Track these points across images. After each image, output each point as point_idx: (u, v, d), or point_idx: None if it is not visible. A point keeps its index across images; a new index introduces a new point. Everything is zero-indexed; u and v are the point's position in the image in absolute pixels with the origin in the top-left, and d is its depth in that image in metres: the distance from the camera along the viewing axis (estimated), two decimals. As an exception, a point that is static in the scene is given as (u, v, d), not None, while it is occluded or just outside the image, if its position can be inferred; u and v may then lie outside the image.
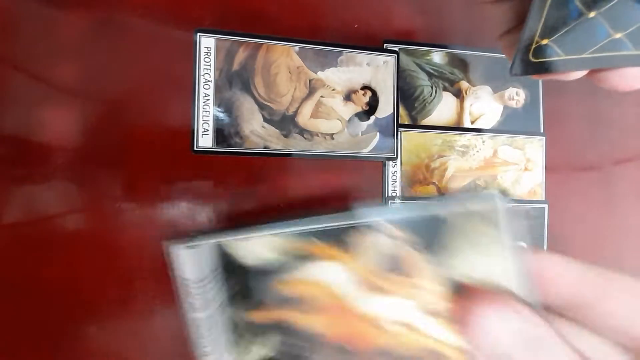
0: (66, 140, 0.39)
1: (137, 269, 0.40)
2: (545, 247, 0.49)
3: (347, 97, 0.43)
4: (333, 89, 0.43)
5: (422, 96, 0.46)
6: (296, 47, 0.42)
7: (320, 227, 0.24)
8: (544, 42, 0.28)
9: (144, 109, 0.41)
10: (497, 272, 0.21)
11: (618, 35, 0.27)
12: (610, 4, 0.25)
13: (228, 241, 0.26)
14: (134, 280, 0.40)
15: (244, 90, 0.41)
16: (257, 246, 0.26)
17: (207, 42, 0.40)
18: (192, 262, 0.27)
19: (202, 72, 0.39)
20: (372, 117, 0.44)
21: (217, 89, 0.40)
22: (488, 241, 0.22)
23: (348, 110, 0.43)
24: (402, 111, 0.45)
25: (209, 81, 0.40)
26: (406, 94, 0.46)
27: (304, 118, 0.42)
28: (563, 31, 0.27)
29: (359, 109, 0.44)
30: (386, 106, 0.44)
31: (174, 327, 0.40)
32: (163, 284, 0.40)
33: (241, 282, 0.26)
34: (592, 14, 0.26)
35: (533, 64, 0.28)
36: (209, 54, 0.40)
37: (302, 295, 0.25)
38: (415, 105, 0.46)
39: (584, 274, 0.20)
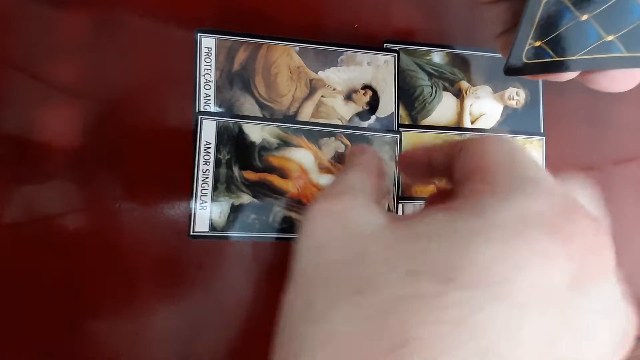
0: (66, 140, 0.39)
1: (138, 269, 0.40)
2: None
3: (348, 97, 0.43)
4: (334, 89, 0.43)
5: (422, 96, 0.46)
6: (296, 47, 0.42)
7: (307, 128, 0.42)
8: (537, 43, 0.28)
9: (145, 109, 0.41)
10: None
11: (609, 38, 0.27)
12: (602, 8, 0.26)
13: (247, 124, 0.41)
14: (134, 280, 0.40)
15: (245, 91, 0.41)
16: (264, 131, 0.41)
17: (207, 42, 0.40)
18: (212, 132, 0.40)
19: (202, 72, 0.39)
20: (373, 117, 0.44)
21: (218, 89, 0.40)
22: (388, 156, 0.43)
23: (349, 110, 0.43)
24: (402, 111, 0.45)
25: (209, 81, 0.40)
26: (406, 94, 0.45)
27: (305, 118, 0.42)
28: (555, 34, 0.28)
29: (360, 109, 0.44)
30: (387, 106, 0.44)
31: (174, 326, 0.40)
32: (163, 283, 0.40)
33: (245, 152, 0.40)
34: (584, 17, 0.27)
35: (526, 65, 0.30)
36: (209, 54, 0.40)
37: (282, 166, 0.41)
38: (415, 105, 0.46)
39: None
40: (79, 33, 0.40)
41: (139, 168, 0.40)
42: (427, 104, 0.46)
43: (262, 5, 0.43)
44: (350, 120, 0.44)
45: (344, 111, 0.43)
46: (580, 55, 0.28)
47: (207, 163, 0.40)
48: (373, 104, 0.44)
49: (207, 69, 0.40)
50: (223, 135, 0.40)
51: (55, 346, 0.39)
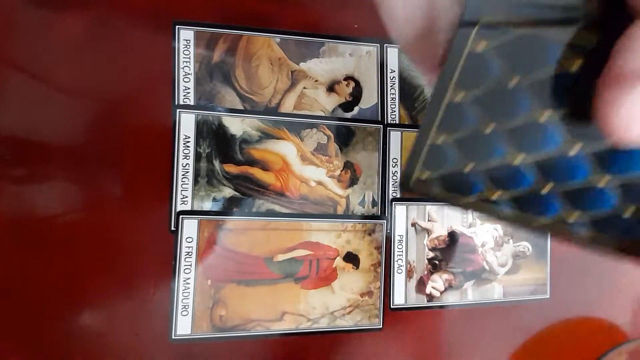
0: (66, 140, 0.39)
1: (137, 268, 0.40)
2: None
3: (330, 88, 0.43)
4: (316, 80, 0.43)
5: (422, 96, 0.46)
6: (277, 38, 0.42)
7: (288, 120, 0.41)
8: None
9: (144, 108, 0.41)
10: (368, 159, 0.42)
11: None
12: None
13: (227, 117, 0.40)
14: (133, 279, 0.40)
15: (225, 83, 0.41)
16: (245, 124, 0.40)
17: (185, 34, 0.40)
18: (191, 125, 0.40)
19: (181, 65, 0.39)
20: (356, 108, 0.44)
21: (198, 82, 0.40)
22: (372, 147, 0.42)
23: (331, 101, 0.43)
24: (402, 111, 0.45)
25: (188, 74, 0.39)
26: (406, 94, 0.45)
27: (287, 110, 0.42)
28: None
29: (343, 100, 0.43)
30: (370, 96, 0.44)
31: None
32: (162, 283, 0.40)
33: (226, 145, 0.40)
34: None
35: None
36: (188, 46, 0.40)
37: (264, 159, 0.41)
38: (415, 105, 0.46)
39: None
40: (78, 33, 0.40)
41: (139, 166, 0.40)
42: (427, 104, 0.45)
43: (261, 5, 0.43)
44: (333, 111, 0.43)
45: (326, 102, 0.43)
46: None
47: (187, 157, 0.40)
48: (356, 95, 0.44)
49: (186, 62, 0.40)
50: (202, 128, 0.40)
51: (53, 344, 0.39)
